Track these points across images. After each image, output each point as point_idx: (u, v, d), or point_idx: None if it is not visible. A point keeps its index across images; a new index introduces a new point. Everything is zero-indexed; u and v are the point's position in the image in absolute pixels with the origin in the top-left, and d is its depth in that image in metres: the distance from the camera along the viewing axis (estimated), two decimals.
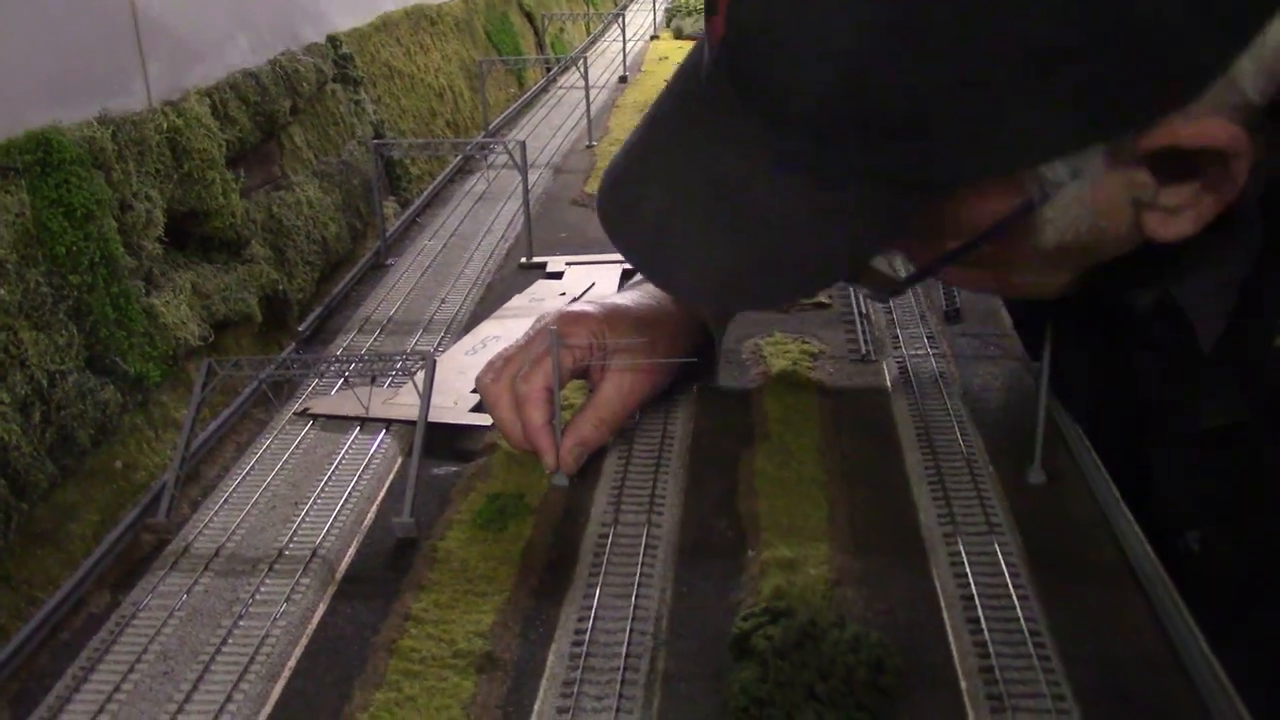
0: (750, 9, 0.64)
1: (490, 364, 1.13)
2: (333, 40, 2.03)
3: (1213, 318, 0.88)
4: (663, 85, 0.79)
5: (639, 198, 0.74)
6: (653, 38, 4.53)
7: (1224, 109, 0.63)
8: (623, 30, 3.83)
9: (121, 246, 1.16)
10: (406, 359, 1.17)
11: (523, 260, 1.83)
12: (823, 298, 1.01)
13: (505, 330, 1.48)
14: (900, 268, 0.80)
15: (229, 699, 0.84)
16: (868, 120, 0.62)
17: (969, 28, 0.58)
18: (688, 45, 4.15)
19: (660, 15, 5.05)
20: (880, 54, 0.60)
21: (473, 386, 1.26)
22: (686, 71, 0.74)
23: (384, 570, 1.01)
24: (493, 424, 1.16)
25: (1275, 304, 0.82)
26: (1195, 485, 1.00)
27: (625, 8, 4.85)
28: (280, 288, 1.49)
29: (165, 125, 1.31)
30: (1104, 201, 0.69)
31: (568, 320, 1.12)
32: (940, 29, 0.59)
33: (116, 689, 0.86)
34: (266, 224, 1.54)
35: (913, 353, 1.36)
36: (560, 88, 3.38)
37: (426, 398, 1.13)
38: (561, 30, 4.07)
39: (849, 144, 0.64)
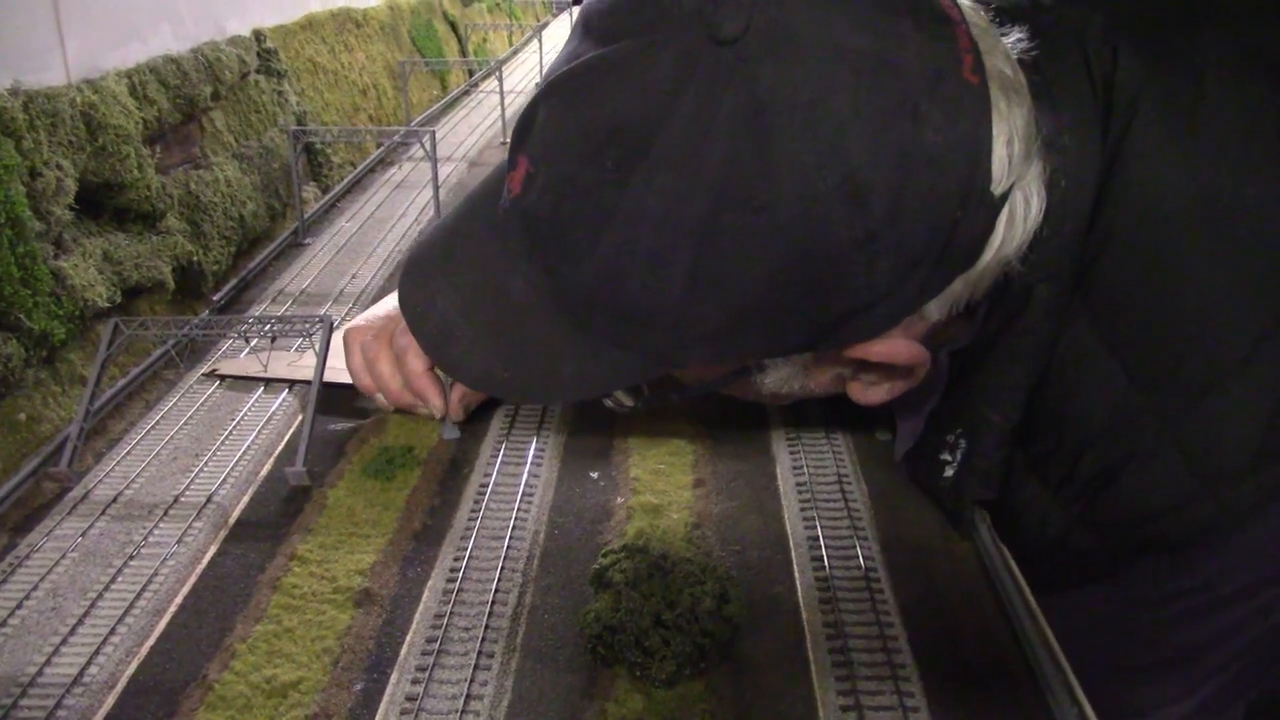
0: (539, 194, 0.65)
1: (368, 323, 1.07)
2: (257, 34, 1.97)
3: (906, 436, 0.99)
4: None
5: (434, 294, 0.76)
6: None
7: (911, 329, 0.71)
8: (540, 43, 3.79)
9: (29, 210, 1.10)
10: (305, 322, 1.13)
11: None
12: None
13: None
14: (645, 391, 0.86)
15: (113, 632, 0.80)
16: (624, 313, 0.66)
17: (717, 277, 0.61)
18: None
19: None
20: (639, 276, 0.63)
21: None
22: (490, 188, 0.75)
23: (275, 516, 0.98)
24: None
25: (940, 429, 0.92)
26: None
27: (545, 24, 4.83)
28: (195, 259, 1.44)
29: (80, 100, 1.26)
30: (813, 373, 0.78)
31: None
32: (689, 269, 0.61)
33: (3, 624, 0.82)
34: (184, 199, 1.48)
35: None
36: (481, 92, 3.34)
37: (322, 357, 1.10)
38: (485, 40, 4.01)
39: (608, 320, 0.67)
